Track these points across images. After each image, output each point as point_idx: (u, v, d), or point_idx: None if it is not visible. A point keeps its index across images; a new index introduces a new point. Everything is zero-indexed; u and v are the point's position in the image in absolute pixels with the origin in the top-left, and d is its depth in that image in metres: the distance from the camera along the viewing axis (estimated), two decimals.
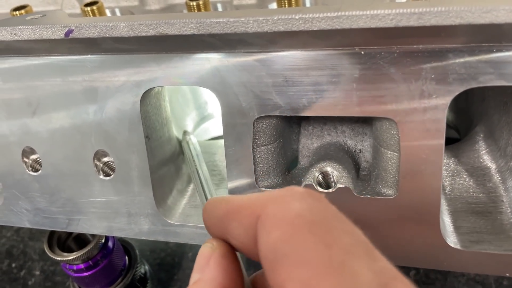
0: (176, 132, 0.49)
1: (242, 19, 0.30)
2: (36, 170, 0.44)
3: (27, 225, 0.47)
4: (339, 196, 0.36)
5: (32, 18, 0.38)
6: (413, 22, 0.27)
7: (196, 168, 0.44)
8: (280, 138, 0.38)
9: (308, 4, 0.50)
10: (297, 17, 0.29)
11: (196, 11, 0.48)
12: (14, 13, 0.54)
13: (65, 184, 0.43)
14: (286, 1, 0.45)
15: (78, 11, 0.60)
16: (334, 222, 0.19)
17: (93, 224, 0.44)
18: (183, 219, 0.43)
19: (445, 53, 0.30)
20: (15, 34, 0.36)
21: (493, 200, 0.39)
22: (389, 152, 0.35)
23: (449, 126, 0.52)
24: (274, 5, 0.52)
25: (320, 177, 0.37)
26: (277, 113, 0.35)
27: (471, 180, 0.41)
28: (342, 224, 0.19)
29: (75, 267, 0.50)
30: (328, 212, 0.20)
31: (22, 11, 0.55)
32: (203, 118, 0.67)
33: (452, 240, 0.35)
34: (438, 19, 0.27)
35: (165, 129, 0.44)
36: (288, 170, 0.41)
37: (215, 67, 0.35)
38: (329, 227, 0.19)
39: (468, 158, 0.43)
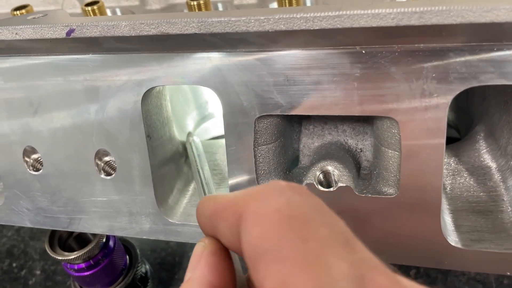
0: (176, 132, 0.49)
1: (243, 19, 0.30)
2: (37, 170, 0.44)
3: (28, 224, 0.47)
4: (340, 195, 0.36)
5: (34, 18, 0.38)
6: (414, 21, 0.27)
7: (198, 170, 0.44)
8: (281, 137, 0.38)
9: (308, 3, 0.50)
10: (298, 16, 0.29)
11: (197, 11, 0.48)
12: (15, 12, 0.55)
13: (66, 184, 0.43)
14: (286, 1, 0.45)
15: (79, 10, 0.60)
16: (312, 214, 0.19)
17: (94, 224, 0.44)
18: (184, 218, 0.43)
19: (446, 52, 0.30)
20: (16, 34, 0.36)
21: (493, 199, 0.39)
22: (390, 151, 0.35)
23: (449, 125, 0.52)
24: (274, 5, 0.52)
25: (321, 176, 0.37)
26: (278, 112, 0.35)
27: (472, 179, 0.41)
28: (321, 216, 0.19)
29: (76, 267, 0.50)
30: (307, 204, 0.20)
31: (23, 10, 0.55)
32: (203, 117, 0.67)
33: (453, 239, 0.35)
34: (439, 18, 0.27)
35: (166, 129, 0.44)
36: (289, 169, 0.41)
37: (216, 66, 0.35)
38: (306, 220, 0.19)
39: (468, 157, 0.43)
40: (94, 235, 0.51)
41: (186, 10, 0.55)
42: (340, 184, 0.36)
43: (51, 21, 0.36)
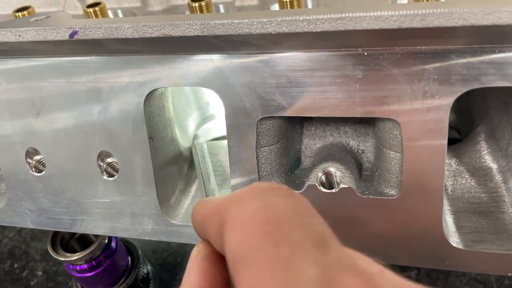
0: (178, 133, 0.49)
1: (246, 21, 0.31)
2: (40, 171, 0.44)
3: (30, 225, 0.47)
4: (342, 197, 0.36)
5: (36, 20, 0.39)
6: (416, 24, 0.27)
7: (202, 174, 0.44)
8: (283, 138, 0.38)
9: (310, 6, 0.51)
10: (301, 18, 0.29)
11: (198, 12, 0.48)
12: (17, 14, 0.55)
13: (69, 185, 0.43)
14: (288, 3, 0.45)
15: (81, 12, 0.60)
16: (288, 216, 0.19)
17: (96, 225, 0.44)
18: (186, 219, 0.43)
19: (447, 54, 0.30)
20: (19, 36, 0.36)
21: (494, 200, 0.39)
22: (392, 152, 0.35)
23: (450, 126, 0.52)
24: (275, 6, 0.52)
25: (323, 177, 0.37)
26: (280, 114, 0.35)
27: (473, 180, 0.42)
28: (297, 217, 0.19)
29: (78, 268, 0.50)
30: (284, 206, 0.20)
31: (25, 12, 0.55)
32: (205, 118, 0.67)
33: (454, 240, 0.36)
34: (441, 21, 0.27)
35: (168, 130, 0.44)
36: (291, 171, 0.41)
37: (219, 68, 0.35)
38: (281, 223, 0.19)
39: (469, 158, 0.43)
40: (96, 236, 0.51)
41: (187, 12, 0.55)
42: (342, 186, 0.36)
43: (54, 23, 0.36)
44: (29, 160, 0.44)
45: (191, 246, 0.70)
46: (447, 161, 0.43)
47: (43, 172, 0.44)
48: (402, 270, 0.60)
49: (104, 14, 0.53)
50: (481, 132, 0.45)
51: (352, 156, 0.40)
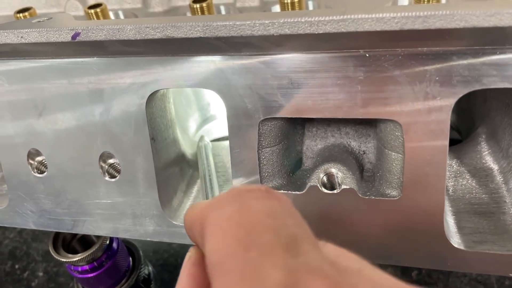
0: (179, 134, 0.49)
1: (248, 22, 0.31)
2: (42, 172, 0.44)
3: (32, 226, 0.47)
4: (344, 197, 0.36)
5: (39, 21, 0.39)
6: (418, 25, 0.28)
7: (204, 174, 0.45)
8: (284, 139, 0.39)
9: (311, 7, 0.51)
10: (302, 20, 0.29)
11: (199, 14, 0.48)
12: (18, 15, 0.55)
13: (71, 186, 0.43)
14: (289, 4, 0.46)
15: (82, 13, 0.60)
16: (261, 219, 0.19)
17: (98, 226, 0.44)
18: None
19: (449, 56, 0.30)
20: (22, 37, 0.36)
21: (495, 201, 0.40)
22: (394, 153, 0.35)
23: (450, 127, 0.52)
24: (277, 7, 0.53)
25: (324, 178, 0.37)
26: (282, 115, 0.35)
27: (474, 181, 0.42)
28: (269, 219, 0.19)
29: (80, 268, 0.50)
30: (257, 209, 0.20)
31: (26, 13, 0.55)
32: (205, 119, 0.67)
33: (455, 240, 0.36)
34: (443, 22, 0.27)
35: (170, 131, 0.44)
36: (293, 172, 0.41)
37: (221, 69, 0.35)
38: (252, 227, 0.18)
39: (470, 159, 0.44)
40: (98, 237, 0.51)
41: (188, 13, 0.55)
42: (343, 187, 0.36)
43: (56, 25, 0.36)
44: (31, 161, 0.44)
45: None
46: (448, 162, 0.43)
47: (45, 173, 0.44)
48: (403, 270, 0.60)
49: (105, 15, 0.53)
50: (482, 133, 0.45)
51: (353, 157, 0.41)
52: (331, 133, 0.42)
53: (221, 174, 0.48)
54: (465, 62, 0.30)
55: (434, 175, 0.33)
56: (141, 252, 0.58)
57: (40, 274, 0.69)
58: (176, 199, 0.45)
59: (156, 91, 0.38)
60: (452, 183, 0.42)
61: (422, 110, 0.32)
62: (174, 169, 0.46)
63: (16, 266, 0.70)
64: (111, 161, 0.42)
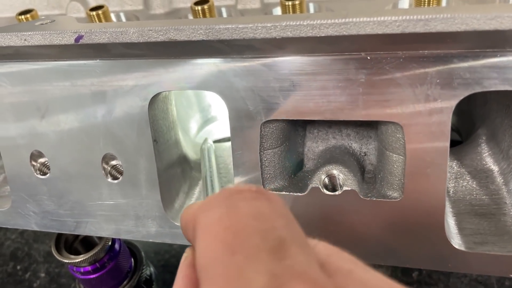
0: (181, 135, 0.49)
1: (250, 25, 0.31)
2: (44, 174, 0.44)
3: (34, 227, 0.47)
4: (346, 199, 0.36)
5: (41, 24, 0.39)
6: (419, 29, 0.28)
7: (205, 176, 0.45)
8: (286, 141, 0.39)
9: (312, 9, 0.51)
10: (305, 23, 0.30)
11: (201, 16, 0.48)
12: (20, 17, 0.55)
13: (73, 187, 0.43)
14: (290, 6, 0.46)
15: (83, 15, 0.60)
16: (248, 221, 0.19)
17: (101, 227, 0.44)
18: None
19: (450, 58, 0.30)
20: (25, 40, 0.37)
21: (496, 202, 0.40)
22: (395, 155, 0.35)
23: (450, 128, 0.53)
24: (277, 9, 0.53)
25: (326, 180, 0.37)
26: (284, 117, 0.35)
27: (474, 182, 0.42)
28: (256, 222, 0.19)
29: (82, 269, 0.50)
30: (246, 210, 0.19)
31: (28, 15, 0.55)
32: (206, 120, 0.67)
33: (456, 241, 0.36)
34: (444, 26, 0.27)
35: (172, 133, 0.45)
36: (294, 173, 0.41)
37: (223, 71, 0.35)
38: (239, 230, 0.18)
39: (471, 161, 0.44)
40: (100, 238, 0.51)
41: (190, 15, 0.55)
42: (345, 188, 0.36)
43: (59, 28, 0.36)
44: (34, 163, 0.44)
45: None
46: (448, 163, 0.43)
47: (48, 175, 0.44)
48: (404, 271, 0.60)
49: (107, 17, 0.53)
50: (482, 135, 0.45)
51: (354, 158, 0.41)
52: (332, 134, 0.43)
53: (223, 175, 0.48)
54: (465, 64, 0.30)
55: (435, 177, 0.33)
56: (143, 253, 0.58)
57: (42, 275, 0.69)
58: (178, 200, 0.45)
59: (159, 93, 0.38)
60: (453, 185, 0.42)
61: (423, 112, 0.32)
62: (176, 171, 0.46)
63: (18, 267, 0.71)
64: (113, 162, 0.42)
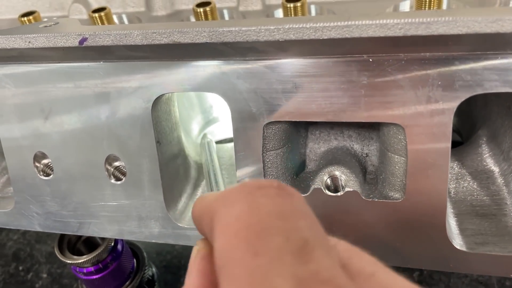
0: (183, 136, 0.50)
1: (253, 28, 0.31)
2: (48, 175, 0.44)
3: (37, 228, 0.48)
4: (348, 200, 0.36)
5: (45, 26, 0.39)
6: (421, 31, 0.28)
7: (209, 172, 0.45)
8: (288, 142, 0.39)
9: (313, 12, 0.51)
10: (307, 26, 0.30)
11: (203, 18, 0.49)
12: (22, 19, 0.55)
13: (77, 188, 0.44)
14: (292, 9, 0.46)
15: (85, 16, 0.60)
16: (271, 220, 0.18)
17: (104, 228, 0.45)
18: (192, 222, 0.43)
19: (451, 61, 0.31)
20: (29, 42, 0.37)
21: (497, 203, 0.40)
22: (397, 156, 0.35)
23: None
24: (279, 11, 0.53)
25: (328, 180, 0.37)
26: (286, 119, 0.36)
27: (475, 183, 0.42)
28: (280, 221, 0.18)
29: (85, 270, 0.50)
30: (269, 209, 0.19)
31: (30, 17, 0.55)
32: (208, 121, 0.67)
33: (458, 242, 0.36)
34: (445, 29, 0.28)
35: (174, 134, 0.45)
36: (296, 174, 0.42)
37: (226, 73, 0.36)
38: (262, 229, 0.18)
39: (471, 162, 0.44)
40: (103, 238, 0.51)
41: (192, 16, 0.55)
42: (347, 189, 0.36)
43: (63, 30, 0.37)
44: (37, 164, 0.45)
45: None
46: (449, 164, 0.44)
47: (51, 176, 0.44)
48: (405, 271, 0.60)
49: (109, 19, 0.53)
50: (483, 136, 0.46)
51: (356, 159, 0.41)
52: (334, 136, 0.43)
53: (225, 176, 0.49)
54: (467, 67, 0.31)
55: (436, 178, 0.34)
56: (145, 254, 0.58)
57: (44, 275, 0.69)
58: (181, 201, 0.45)
59: (162, 95, 0.38)
60: (454, 185, 0.43)
61: (424, 114, 0.32)
62: (179, 172, 0.46)
63: (20, 268, 0.71)
64: (116, 164, 0.43)
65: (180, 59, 0.36)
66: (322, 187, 0.37)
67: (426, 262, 0.37)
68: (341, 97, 0.34)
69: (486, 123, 0.46)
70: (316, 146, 0.43)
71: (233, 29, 0.32)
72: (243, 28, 0.31)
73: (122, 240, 0.54)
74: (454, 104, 0.32)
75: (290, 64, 0.34)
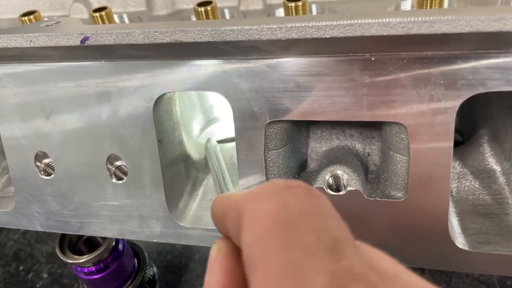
0: (184, 136, 0.50)
1: (256, 27, 0.31)
2: (49, 174, 0.44)
3: (38, 228, 0.47)
4: (350, 199, 0.36)
5: (47, 25, 0.39)
6: (424, 30, 0.28)
7: (217, 175, 0.45)
8: (290, 142, 0.39)
9: (314, 11, 0.51)
10: (310, 25, 0.30)
11: (204, 17, 0.49)
12: (23, 18, 0.55)
13: (78, 188, 0.44)
14: (293, 8, 0.46)
15: (86, 16, 0.60)
16: (303, 218, 0.18)
17: (105, 227, 0.45)
18: (194, 221, 0.44)
19: (454, 59, 0.31)
20: (31, 41, 0.37)
21: (499, 202, 0.40)
22: (399, 155, 0.35)
23: None
24: (280, 11, 0.53)
25: (330, 180, 0.37)
26: (288, 118, 0.36)
27: (477, 183, 0.42)
28: (312, 220, 0.18)
29: (86, 270, 0.50)
30: (300, 207, 0.19)
31: (31, 16, 0.55)
32: (209, 121, 0.67)
33: (460, 241, 0.36)
34: (448, 27, 0.27)
35: (176, 133, 0.45)
36: (298, 173, 0.42)
37: (227, 72, 0.36)
38: (295, 226, 0.18)
39: (473, 161, 0.44)
40: (104, 238, 0.51)
41: (193, 16, 0.55)
42: (349, 188, 0.36)
43: (65, 29, 0.37)
44: (38, 164, 0.44)
45: (197, 248, 0.71)
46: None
47: (52, 176, 0.44)
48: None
49: (110, 18, 0.53)
50: (484, 135, 0.46)
51: (358, 159, 0.41)
52: (336, 135, 0.43)
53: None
54: (469, 65, 0.31)
55: (439, 177, 0.34)
56: (146, 254, 0.58)
57: (45, 275, 0.69)
58: (182, 200, 0.45)
59: (163, 94, 0.38)
60: (456, 185, 0.43)
61: (427, 113, 0.32)
62: (180, 171, 0.46)
63: (21, 268, 0.71)
64: (118, 163, 0.43)
65: (181, 58, 0.36)
66: (324, 186, 0.37)
67: (428, 262, 0.37)
68: (343, 96, 0.34)
69: (487, 123, 0.46)
70: (318, 146, 0.43)
71: (235, 28, 0.31)
72: (246, 27, 0.31)
73: (123, 239, 0.54)
74: (456, 103, 0.32)
75: (292, 63, 0.34)
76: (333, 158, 0.40)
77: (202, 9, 0.48)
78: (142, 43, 0.34)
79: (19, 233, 0.76)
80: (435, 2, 0.41)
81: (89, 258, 0.49)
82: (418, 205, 0.35)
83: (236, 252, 0.22)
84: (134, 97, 0.39)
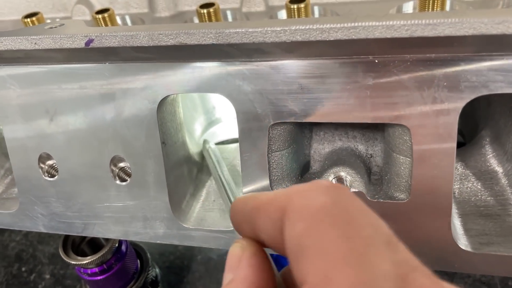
0: (187, 137, 0.50)
1: (260, 29, 0.31)
2: (52, 176, 0.45)
3: (42, 229, 0.48)
4: None
5: (51, 28, 0.39)
6: (427, 33, 0.28)
7: (219, 175, 0.45)
8: (293, 143, 0.39)
9: (316, 13, 0.51)
10: (314, 27, 0.30)
11: (207, 19, 0.49)
12: (26, 20, 0.55)
13: (81, 189, 0.44)
14: (295, 10, 0.46)
15: (88, 17, 0.61)
16: (356, 215, 0.19)
17: (108, 229, 0.45)
18: (197, 223, 0.44)
19: (457, 62, 0.31)
20: (35, 43, 0.37)
21: (501, 203, 0.40)
22: (402, 157, 0.36)
23: None
24: (282, 12, 0.53)
25: (334, 181, 0.38)
26: (292, 120, 0.36)
27: (479, 184, 0.42)
28: (364, 217, 0.19)
29: (89, 271, 0.50)
30: (351, 205, 0.20)
31: (34, 18, 0.55)
32: (210, 122, 0.68)
33: (462, 242, 0.36)
34: (452, 30, 0.28)
35: (179, 135, 0.45)
36: (301, 175, 0.42)
37: (231, 74, 0.36)
38: (350, 220, 0.19)
39: (475, 162, 0.44)
40: (107, 239, 0.52)
41: (195, 18, 0.56)
42: (352, 190, 0.36)
43: (69, 31, 0.37)
44: (42, 165, 0.45)
45: (198, 249, 0.70)
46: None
47: (56, 177, 0.44)
48: None
49: (112, 20, 0.54)
50: (486, 136, 0.46)
51: (361, 160, 0.41)
52: (339, 136, 0.43)
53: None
54: (472, 68, 0.31)
55: (441, 178, 0.34)
56: (148, 255, 0.58)
57: (47, 276, 0.69)
58: (185, 202, 0.45)
59: (167, 96, 0.39)
60: (458, 186, 0.43)
61: (430, 115, 0.32)
62: (183, 172, 0.46)
63: (23, 269, 0.71)
64: (121, 164, 0.43)
65: (185, 60, 0.37)
66: None
67: (431, 263, 0.37)
68: (346, 98, 0.34)
69: (489, 124, 0.46)
70: (321, 147, 0.44)
71: (240, 30, 0.32)
72: (250, 30, 0.31)
73: (126, 241, 0.54)
74: (459, 105, 0.32)
75: (296, 65, 0.34)
76: (336, 159, 0.40)
77: (205, 11, 0.48)
78: (146, 45, 0.34)
79: (21, 234, 0.76)
80: (437, 4, 0.41)
81: (92, 259, 0.49)
82: (421, 207, 0.35)
83: (262, 252, 0.23)
84: (138, 98, 0.39)
